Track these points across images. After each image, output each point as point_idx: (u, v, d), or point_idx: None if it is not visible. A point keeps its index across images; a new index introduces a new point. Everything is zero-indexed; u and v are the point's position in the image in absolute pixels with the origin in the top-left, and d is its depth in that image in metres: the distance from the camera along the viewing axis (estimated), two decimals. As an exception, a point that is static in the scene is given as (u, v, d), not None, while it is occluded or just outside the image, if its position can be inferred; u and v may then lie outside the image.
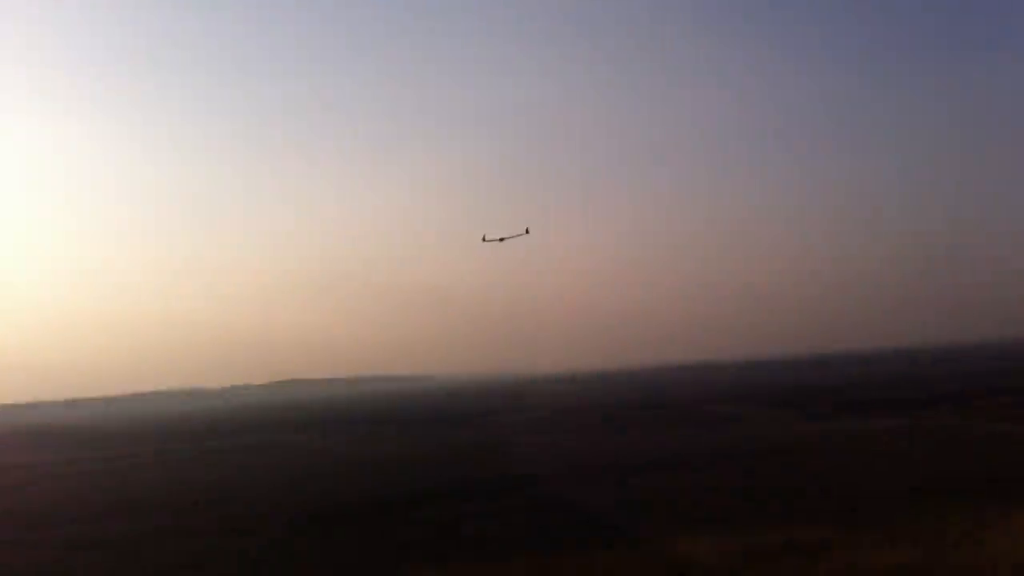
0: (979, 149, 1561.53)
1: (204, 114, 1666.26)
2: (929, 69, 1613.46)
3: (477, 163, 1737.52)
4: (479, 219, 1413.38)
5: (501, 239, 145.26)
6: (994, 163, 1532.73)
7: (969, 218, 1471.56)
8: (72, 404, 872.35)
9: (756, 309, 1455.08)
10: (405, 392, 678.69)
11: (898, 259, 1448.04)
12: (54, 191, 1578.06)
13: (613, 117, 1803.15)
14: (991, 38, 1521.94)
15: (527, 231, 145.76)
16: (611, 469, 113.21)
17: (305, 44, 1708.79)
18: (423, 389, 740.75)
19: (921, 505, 72.08)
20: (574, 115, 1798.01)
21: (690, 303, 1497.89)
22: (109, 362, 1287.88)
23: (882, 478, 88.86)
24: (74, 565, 75.38)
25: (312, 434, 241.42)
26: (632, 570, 57.03)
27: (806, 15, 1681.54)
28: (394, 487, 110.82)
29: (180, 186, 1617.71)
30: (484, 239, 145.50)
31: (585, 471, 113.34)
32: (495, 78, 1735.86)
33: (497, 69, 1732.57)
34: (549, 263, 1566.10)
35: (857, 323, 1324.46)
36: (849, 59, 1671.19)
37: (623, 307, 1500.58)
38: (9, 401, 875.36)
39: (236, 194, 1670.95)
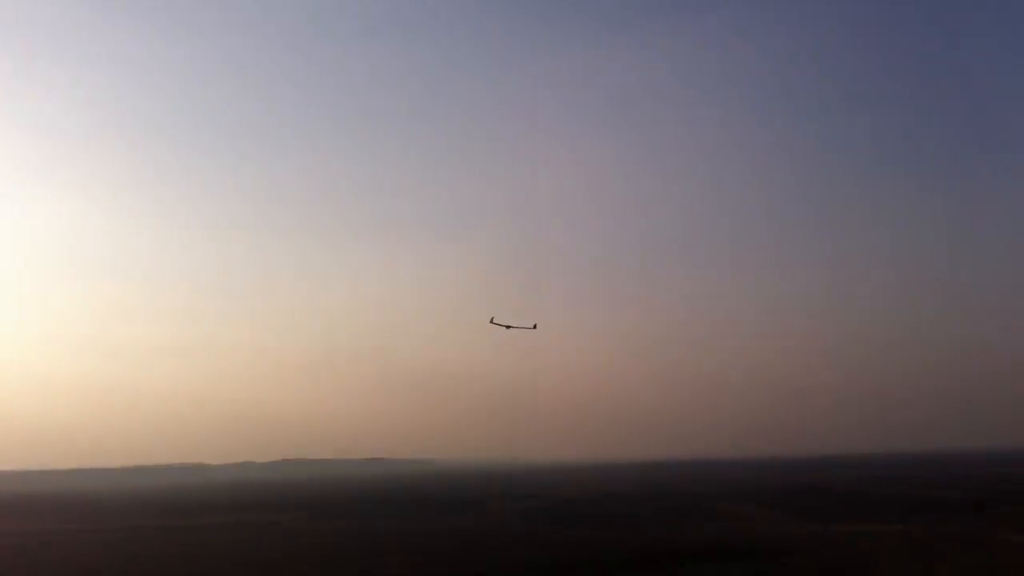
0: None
1: (219, 190, 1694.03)
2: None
3: (490, 249, 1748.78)
4: (488, 305, 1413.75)
5: (508, 327, 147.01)
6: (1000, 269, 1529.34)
7: (980, 323, 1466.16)
8: (74, 473, 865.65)
9: (766, 407, 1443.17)
10: (408, 475, 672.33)
11: (918, 362, 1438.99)
12: (69, 263, 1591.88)
13: (628, 208, 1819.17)
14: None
15: (534, 327, 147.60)
16: (601, 566, 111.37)
17: (324, 124, 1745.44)
18: (426, 473, 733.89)
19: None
20: (589, 205, 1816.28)
21: (697, 399, 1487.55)
22: (114, 433, 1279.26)
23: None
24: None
25: (309, 515, 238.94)
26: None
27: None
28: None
29: (194, 261, 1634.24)
30: (492, 321, 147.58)
31: (576, 567, 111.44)
32: (512, 167, 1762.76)
33: (514, 157, 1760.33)
34: (556, 352, 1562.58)
35: (871, 426, 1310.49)
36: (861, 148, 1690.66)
37: (630, 400, 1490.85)
38: (10, 468, 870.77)
39: (250, 271, 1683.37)
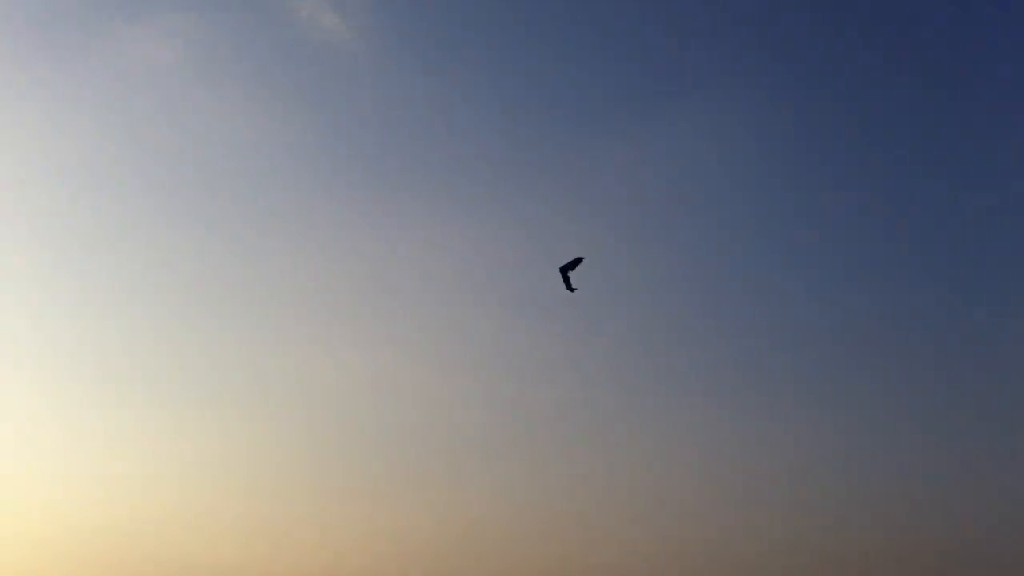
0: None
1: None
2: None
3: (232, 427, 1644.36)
4: (230, 499, 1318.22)
5: (569, 282, 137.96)
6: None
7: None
8: None
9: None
10: None
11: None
12: None
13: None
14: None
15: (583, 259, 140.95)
16: None
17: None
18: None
19: None
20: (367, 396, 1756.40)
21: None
22: None
23: None
24: None
25: None
26: None
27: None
28: None
29: None
30: (572, 289, 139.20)
31: None
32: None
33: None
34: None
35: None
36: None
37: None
38: None
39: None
